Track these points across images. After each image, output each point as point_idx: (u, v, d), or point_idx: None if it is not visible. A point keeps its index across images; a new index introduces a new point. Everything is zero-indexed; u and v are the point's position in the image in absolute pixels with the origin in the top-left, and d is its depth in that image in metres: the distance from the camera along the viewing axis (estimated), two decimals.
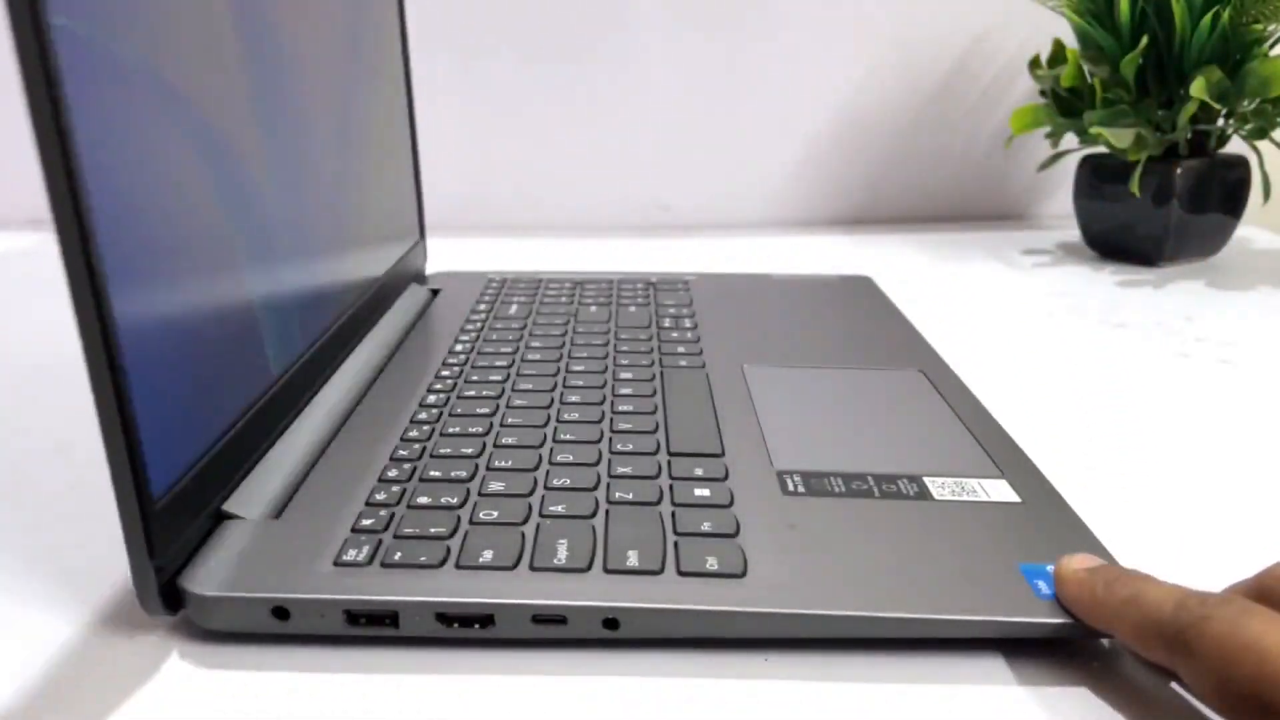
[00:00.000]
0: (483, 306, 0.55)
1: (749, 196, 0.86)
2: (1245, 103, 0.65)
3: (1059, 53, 0.72)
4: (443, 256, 0.64)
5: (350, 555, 0.29)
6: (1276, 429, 0.42)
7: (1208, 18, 0.62)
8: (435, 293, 0.58)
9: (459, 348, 0.48)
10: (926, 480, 0.34)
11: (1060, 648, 0.28)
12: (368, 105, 0.49)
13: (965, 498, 0.33)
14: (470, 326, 0.51)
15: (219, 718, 0.25)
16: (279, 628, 0.27)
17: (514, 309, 0.54)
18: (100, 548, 0.32)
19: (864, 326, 0.53)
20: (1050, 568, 0.29)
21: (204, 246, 0.30)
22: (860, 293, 0.59)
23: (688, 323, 0.52)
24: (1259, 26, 0.63)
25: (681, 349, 0.48)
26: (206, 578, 0.28)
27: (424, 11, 0.79)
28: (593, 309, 0.55)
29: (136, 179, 0.26)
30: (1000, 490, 0.34)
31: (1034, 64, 0.73)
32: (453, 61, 0.81)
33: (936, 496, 0.33)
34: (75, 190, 0.23)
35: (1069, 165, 0.74)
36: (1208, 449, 0.40)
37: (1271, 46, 0.65)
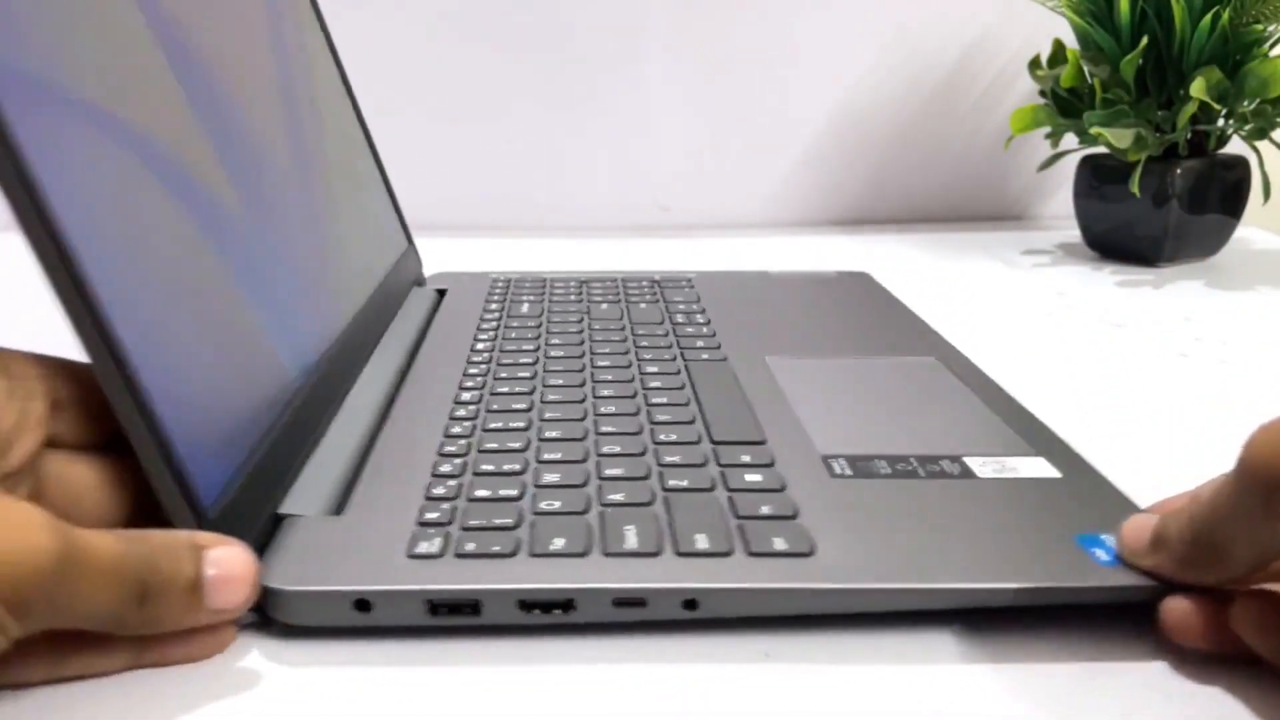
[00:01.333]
0: (494, 306, 0.55)
1: (748, 197, 0.87)
2: (1245, 103, 0.65)
3: (1059, 53, 0.72)
4: (441, 258, 0.64)
5: (423, 548, 0.29)
6: None
7: (1207, 18, 0.63)
8: (441, 294, 0.58)
9: (480, 346, 0.48)
10: (967, 460, 0.35)
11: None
12: (317, 121, 0.49)
13: (1007, 475, 0.34)
14: (487, 326, 0.51)
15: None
16: (360, 620, 0.27)
17: (526, 308, 0.54)
18: None
19: (871, 318, 0.54)
20: (1105, 537, 0.29)
21: (195, 278, 0.31)
22: (860, 287, 0.61)
23: (700, 318, 0.53)
24: (1259, 27, 0.63)
25: (700, 343, 0.48)
26: (285, 574, 0.28)
27: (420, 7, 0.79)
28: (604, 306, 0.55)
29: (119, 226, 0.27)
30: (1039, 467, 0.35)
31: (1034, 64, 0.73)
32: (451, 61, 0.81)
33: (980, 475, 0.34)
34: (68, 262, 0.24)
35: (1069, 165, 0.74)
36: (1205, 449, 0.40)
37: (1271, 47, 0.65)
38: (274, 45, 0.45)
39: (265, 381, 0.33)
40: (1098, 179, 0.71)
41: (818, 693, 0.26)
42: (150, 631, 0.25)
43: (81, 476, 0.27)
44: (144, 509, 0.27)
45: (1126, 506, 0.32)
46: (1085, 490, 0.33)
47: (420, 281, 0.60)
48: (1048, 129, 0.71)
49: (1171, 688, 0.26)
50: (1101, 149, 0.69)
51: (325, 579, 0.28)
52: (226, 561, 0.25)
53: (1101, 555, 0.29)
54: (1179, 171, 0.66)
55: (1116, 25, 0.67)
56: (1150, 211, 0.68)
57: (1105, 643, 0.28)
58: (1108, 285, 0.66)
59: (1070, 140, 0.72)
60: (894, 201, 0.87)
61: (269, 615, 0.28)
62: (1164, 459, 0.36)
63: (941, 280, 0.67)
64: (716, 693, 0.26)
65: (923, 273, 0.69)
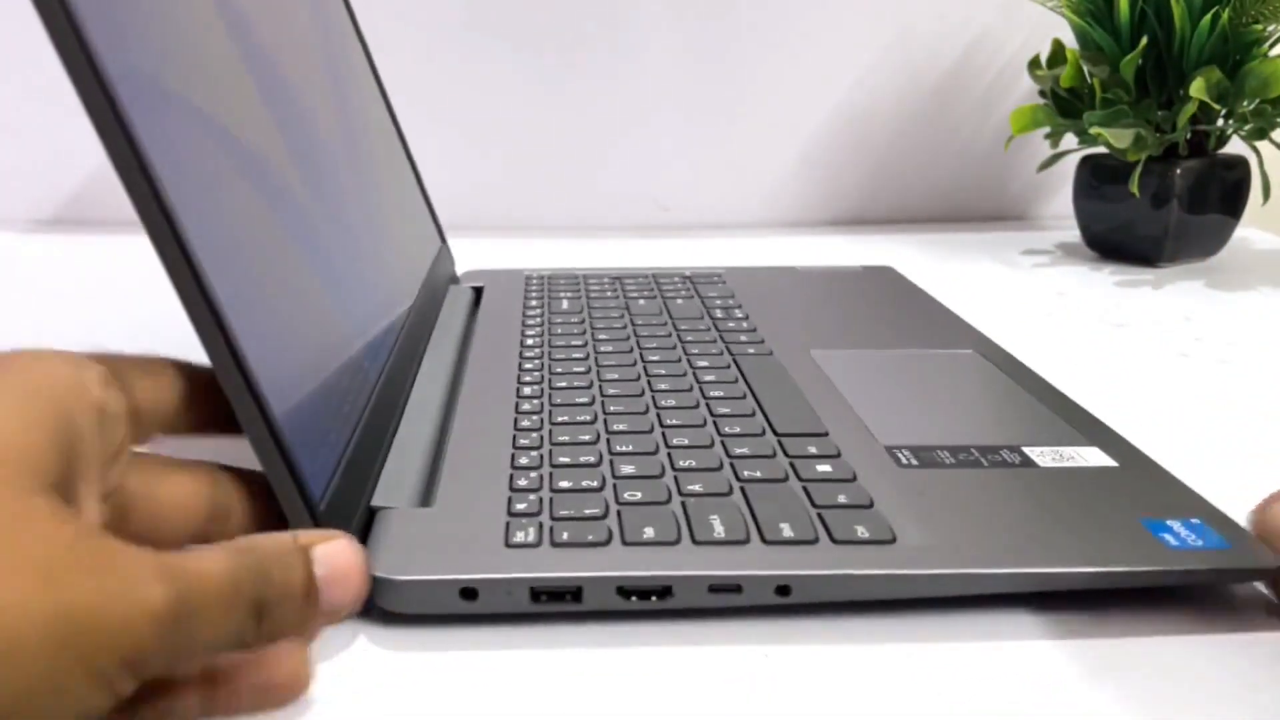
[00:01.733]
0: (534, 302, 0.55)
1: (747, 197, 0.87)
2: (1245, 103, 0.65)
3: (1058, 53, 0.72)
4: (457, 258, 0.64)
5: (520, 537, 0.29)
6: (1273, 428, 0.42)
7: (1207, 18, 0.63)
8: (478, 291, 0.58)
9: (530, 341, 0.48)
10: (1026, 450, 0.36)
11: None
12: (363, 120, 0.50)
13: (1066, 464, 0.35)
14: (532, 321, 0.52)
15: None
16: (464, 608, 0.28)
17: (566, 304, 0.55)
18: None
19: (903, 311, 0.55)
20: (1170, 522, 0.31)
21: (294, 280, 0.32)
22: (887, 281, 0.62)
23: (738, 313, 0.53)
24: (1259, 27, 0.63)
25: (744, 337, 0.49)
26: (390, 564, 0.28)
27: (419, 9, 0.79)
28: (641, 302, 0.55)
29: (232, 232, 0.28)
30: (1096, 456, 0.36)
31: (1033, 64, 0.73)
32: (449, 62, 0.81)
33: (1040, 464, 0.35)
34: (192, 265, 0.24)
35: (1069, 166, 0.74)
36: (1206, 449, 0.41)
37: (1271, 47, 0.65)
38: (323, 45, 0.46)
39: (351, 378, 0.34)
40: (1097, 179, 0.71)
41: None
42: (269, 644, 0.24)
43: (162, 484, 0.27)
44: (215, 517, 0.28)
45: (1185, 494, 0.33)
46: (1144, 478, 0.34)
47: (454, 278, 0.60)
48: (1047, 129, 0.71)
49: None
50: (1101, 149, 0.69)
51: (431, 568, 0.28)
52: (334, 557, 0.25)
53: (1170, 540, 0.30)
54: (1179, 171, 0.67)
55: (1116, 25, 0.67)
56: (1150, 211, 0.68)
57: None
58: (1108, 285, 0.66)
59: (1070, 140, 0.72)
60: (894, 201, 0.87)
61: (373, 604, 0.28)
62: (1166, 458, 0.36)
63: (942, 280, 0.67)
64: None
65: (922, 272, 0.69)
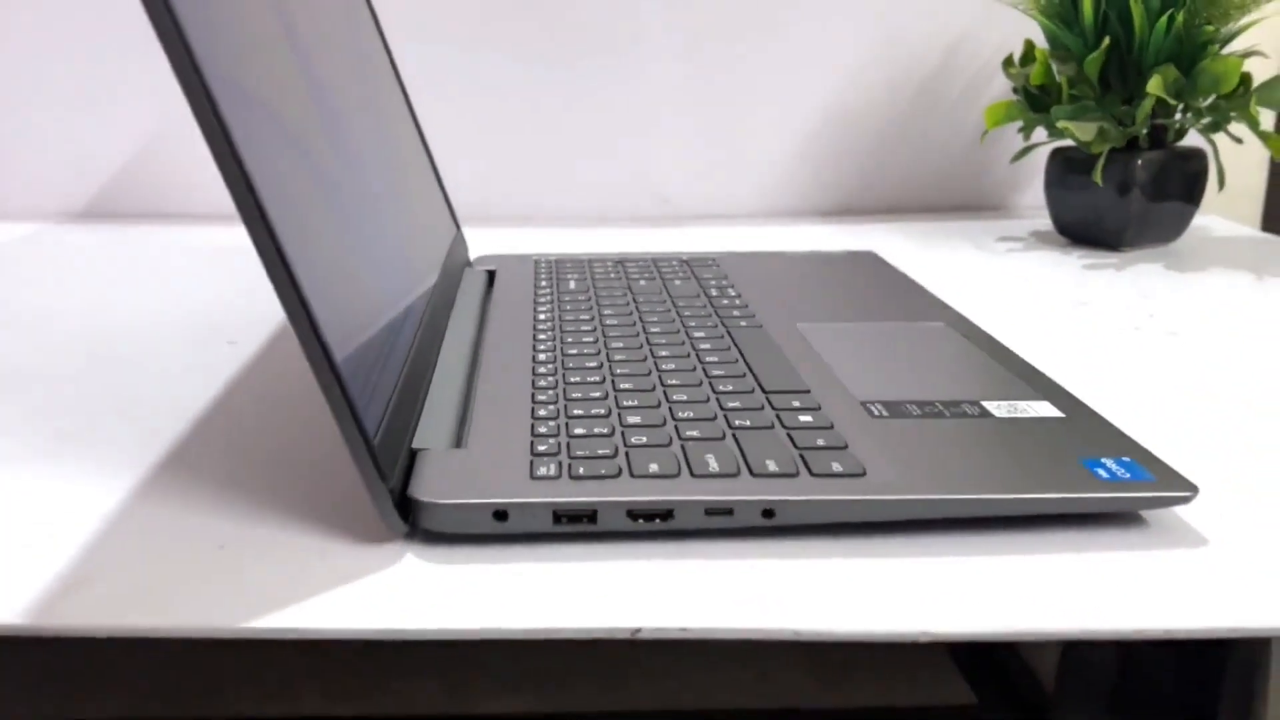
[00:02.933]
0: (544, 283, 0.60)
1: (743, 188, 0.91)
2: (1200, 99, 0.70)
3: (1029, 52, 0.77)
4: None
5: (543, 470, 0.34)
6: (1210, 388, 0.47)
7: (1164, 20, 0.67)
8: (490, 274, 0.63)
9: (542, 316, 0.53)
10: (985, 404, 0.41)
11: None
12: (388, 117, 0.55)
13: (1019, 415, 0.40)
14: (543, 298, 0.56)
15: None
16: (496, 528, 0.33)
17: (573, 284, 0.60)
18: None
19: (883, 290, 0.60)
20: (1106, 460, 0.36)
21: (349, 246, 0.37)
22: (869, 264, 0.66)
23: (731, 292, 0.58)
24: (1210, 28, 0.68)
25: (736, 313, 0.54)
26: (433, 490, 0.33)
27: (421, 5, 0.83)
28: (642, 283, 0.60)
29: (304, 215, 0.33)
30: (1045, 409, 0.41)
31: (1008, 63, 0.78)
32: (451, 56, 0.84)
33: (996, 415, 0.40)
34: (286, 262, 0.29)
35: (1042, 158, 0.78)
36: (1146, 402, 0.46)
37: (1222, 46, 0.70)
38: (354, 47, 0.51)
39: (392, 339, 0.39)
40: (1066, 170, 0.76)
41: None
42: None
43: None
44: None
45: (1121, 438, 0.38)
46: (1085, 425, 0.39)
47: (469, 263, 0.66)
48: (1020, 123, 0.76)
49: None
50: (1069, 142, 0.74)
51: (468, 494, 0.33)
52: None
53: (1102, 474, 0.35)
54: (1140, 163, 0.71)
55: (1081, 27, 0.72)
56: (1114, 200, 0.73)
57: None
58: (1074, 268, 0.71)
59: (1041, 134, 0.77)
60: (881, 192, 0.91)
61: (419, 526, 0.33)
62: (1108, 410, 0.41)
63: (923, 265, 0.72)
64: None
65: (906, 258, 0.74)
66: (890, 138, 0.90)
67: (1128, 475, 0.35)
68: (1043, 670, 0.49)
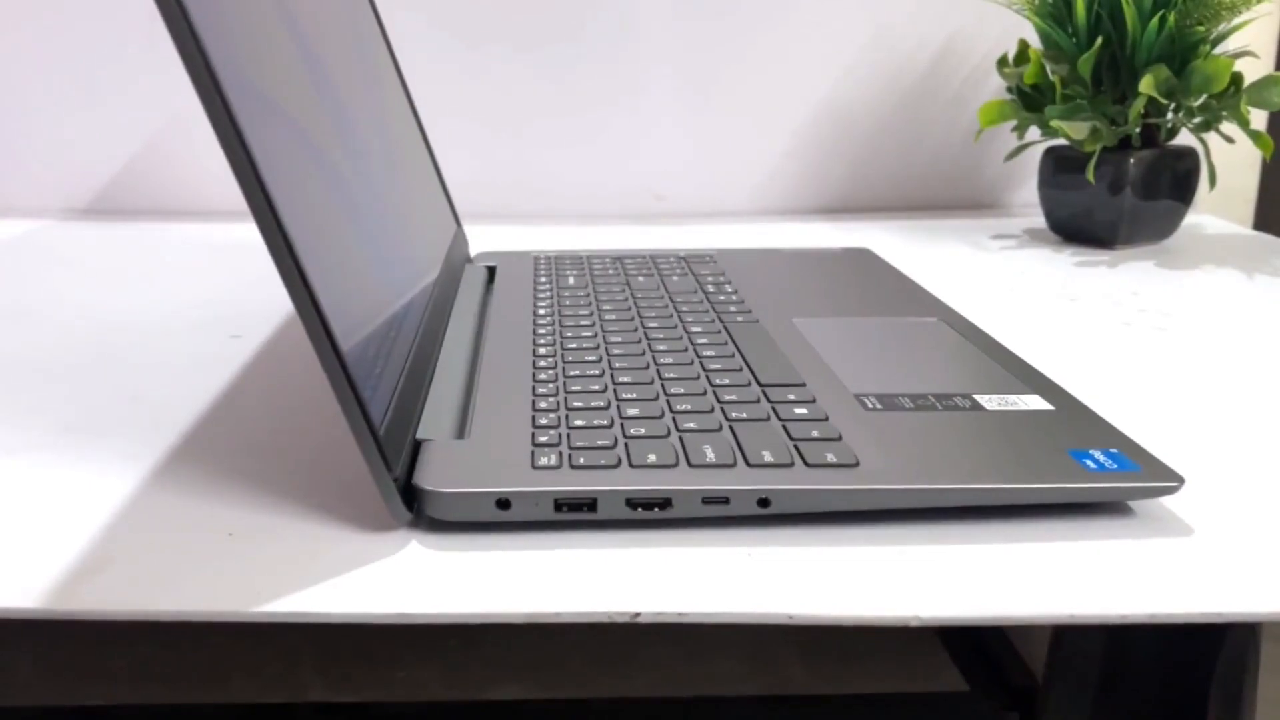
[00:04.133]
0: (544, 279, 0.61)
1: (738, 186, 0.91)
2: (1192, 98, 0.71)
3: (1023, 52, 0.78)
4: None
5: (544, 460, 0.35)
6: (1197, 382, 0.48)
7: (1155, 20, 0.68)
8: (490, 270, 0.64)
9: (541, 310, 0.54)
10: (976, 397, 0.42)
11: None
12: (391, 115, 0.56)
13: (1009, 408, 0.41)
14: (543, 294, 0.57)
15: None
16: (499, 516, 0.34)
17: (572, 280, 0.60)
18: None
19: (877, 285, 0.61)
20: (1093, 451, 0.37)
21: (354, 242, 0.38)
22: (864, 260, 0.67)
23: (729, 288, 0.59)
24: (1201, 28, 0.69)
25: (733, 308, 0.54)
26: (438, 479, 0.34)
27: (418, 3, 0.84)
28: (640, 279, 0.61)
29: (312, 214, 0.33)
30: (1035, 402, 0.42)
31: (1002, 62, 0.79)
32: (448, 53, 0.85)
33: (987, 408, 0.41)
34: (295, 256, 0.30)
35: (1036, 156, 0.79)
36: (1133, 396, 0.46)
37: (1213, 47, 0.71)
38: (357, 45, 0.52)
39: (395, 333, 0.40)
40: (1059, 169, 0.77)
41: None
42: None
43: None
44: None
45: (1108, 430, 0.39)
46: (1073, 418, 0.40)
47: (469, 259, 0.66)
48: (1013, 122, 0.77)
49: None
50: (1062, 141, 0.75)
51: (472, 483, 0.34)
52: None
53: (1090, 465, 0.36)
54: (1132, 161, 0.72)
55: (1074, 27, 0.73)
56: (1107, 198, 0.74)
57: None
58: (1067, 265, 0.72)
59: (1035, 133, 0.77)
60: (875, 191, 0.92)
61: (423, 513, 0.34)
62: (1096, 404, 0.42)
63: (917, 262, 0.72)
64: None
65: (900, 255, 0.74)
66: (884, 136, 0.91)
67: (1115, 466, 0.36)
68: (1033, 658, 0.50)
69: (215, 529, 0.34)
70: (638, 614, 0.30)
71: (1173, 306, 0.61)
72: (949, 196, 0.92)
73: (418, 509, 0.34)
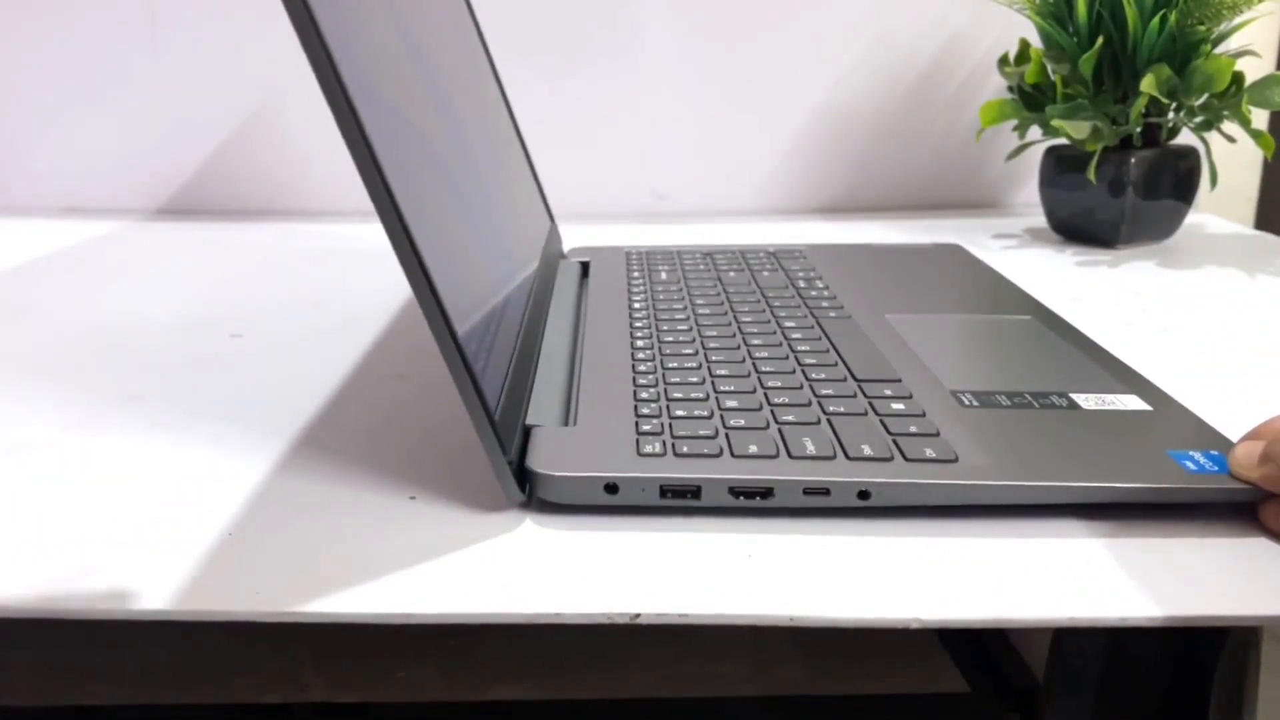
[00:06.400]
0: (636, 274, 0.61)
1: (741, 185, 0.91)
2: (1193, 98, 0.71)
3: (1024, 51, 0.78)
4: None
5: (649, 449, 0.36)
6: (1200, 380, 0.48)
7: (1156, 19, 0.68)
8: (584, 265, 0.64)
9: (637, 304, 0.54)
10: (1073, 395, 0.42)
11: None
12: (491, 113, 0.57)
13: (1107, 407, 0.41)
14: (637, 289, 0.57)
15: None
16: (606, 500, 0.34)
17: (664, 275, 0.61)
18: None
19: (970, 282, 0.61)
20: (1191, 452, 0.37)
21: (467, 240, 0.39)
22: (955, 256, 0.67)
23: (819, 283, 0.59)
24: (1202, 28, 0.69)
25: (825, 304, 0.54)
26: (550, 463, 0.35)
27: None
28: (731, 274, 0.61)
29: (430, 211, 0.34)
30: (1133, 402, 0.41)
31: (1003, 61, 0.79)
32: None
33: (1084, 407, 0.41)
34: (418, 254, 0.31)
35: (1038, 156, 0.79)
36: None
37: (1214, 46, 0.70)
38: (461, 48, 0.53)
39: (504, 323, 0.41)
40: (1060, 168, 0.77)
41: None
42: None
43: None
44: None
45: (1206, 431, 0.39)
46: (1172, 419, 0.40)
47: (562, 255, 0.67)
48: (1014, 122, 0.77)
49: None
50: (1063, 140, 0.75)
51: (582, 468, 0.35)
52: None
53: (1190, 465, 0.36)
54: (1133, 161, 0.72)
55: (1075, 26, 0.73)
56: (1108, 198, 0.74)
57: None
58: (1069, 265, 0.72)
59: (1036, 133, 0.77)
60: (876, 190, 0.92)
61: (536, 495, 0.35)
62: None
63: None
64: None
65: None
66: (886, 135, 0.91)
67: (1215, 468, 0.36)
68: (1033, 659, 0.49)
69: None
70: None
71: (1175, 306, 0.61)
72: (950, 196, 0.92)
73: (530, 491, 0.35)
